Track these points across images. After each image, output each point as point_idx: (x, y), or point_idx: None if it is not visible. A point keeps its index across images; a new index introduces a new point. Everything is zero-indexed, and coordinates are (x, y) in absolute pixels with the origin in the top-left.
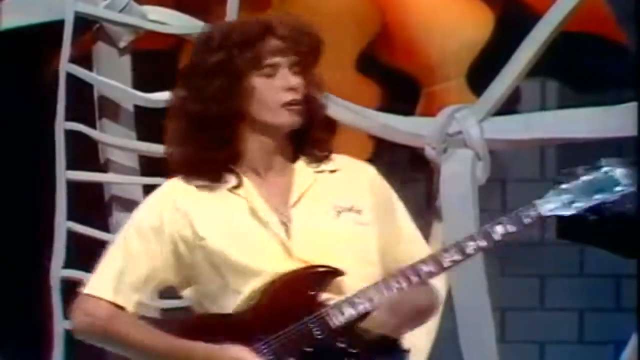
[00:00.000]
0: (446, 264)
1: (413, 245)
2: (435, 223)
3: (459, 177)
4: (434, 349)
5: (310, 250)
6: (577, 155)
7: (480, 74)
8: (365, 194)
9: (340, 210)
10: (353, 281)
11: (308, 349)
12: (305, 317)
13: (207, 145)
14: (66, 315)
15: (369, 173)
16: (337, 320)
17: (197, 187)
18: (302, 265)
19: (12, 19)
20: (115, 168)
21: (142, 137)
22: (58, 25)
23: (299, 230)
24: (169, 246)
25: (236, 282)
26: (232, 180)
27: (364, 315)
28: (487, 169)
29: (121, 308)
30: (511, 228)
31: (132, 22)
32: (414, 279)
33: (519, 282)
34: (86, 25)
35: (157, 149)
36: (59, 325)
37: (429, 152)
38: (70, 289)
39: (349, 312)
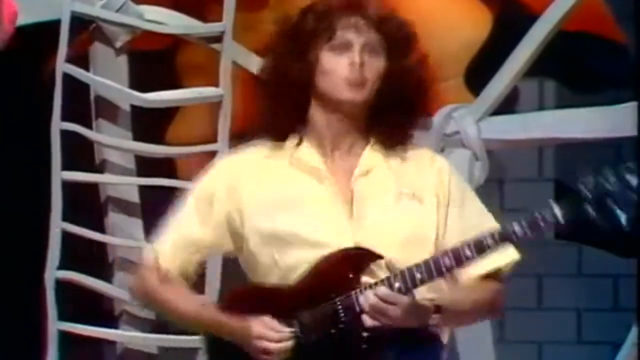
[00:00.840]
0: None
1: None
2: None
3: None
4: None
5: (368, 231)
6: (575, 155)
7: (478, 73)
8: (431, 184)
9: (401, 194)
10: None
11: (332, 330)
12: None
13: (274, 104)
14: (60, 316)
15: (441, 164)
16: (363, 303)
17: (265, 156)
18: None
19: None
20: (111, 168)
21: (138, 138)
22: (55, 25)
23: (360, 210)
24: (222, 216)
25: (285, 256)
26: (296, 145)
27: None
28: (485, 169)
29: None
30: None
31: (129, 22)
32: (450, 263)
33: (516, 282)
34: (83, 25)
35: (153, 150)
36: (53, 326)
37: None
38: (65, 290)
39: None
